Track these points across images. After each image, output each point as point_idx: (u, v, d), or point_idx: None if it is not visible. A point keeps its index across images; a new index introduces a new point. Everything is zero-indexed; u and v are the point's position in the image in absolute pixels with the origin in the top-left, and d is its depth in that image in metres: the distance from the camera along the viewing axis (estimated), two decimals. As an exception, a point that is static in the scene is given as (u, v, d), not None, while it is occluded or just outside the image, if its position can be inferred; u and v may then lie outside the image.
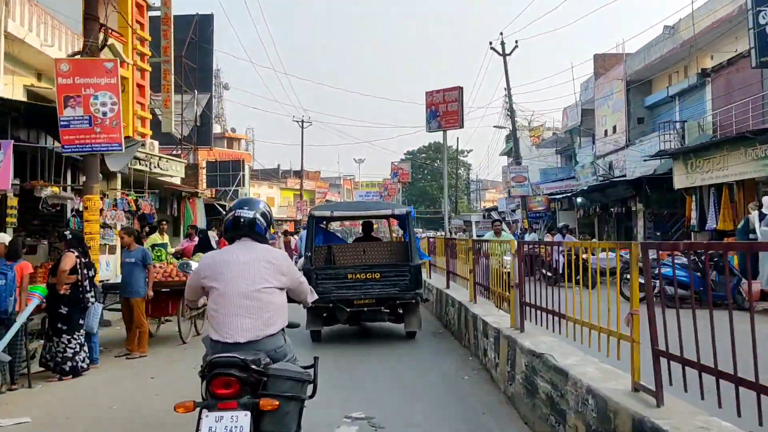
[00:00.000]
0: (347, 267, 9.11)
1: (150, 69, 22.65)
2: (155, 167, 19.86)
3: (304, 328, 8.64)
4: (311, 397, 3.60)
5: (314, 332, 9.04)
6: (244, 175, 38.54)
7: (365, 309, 8.84)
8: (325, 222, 10.95)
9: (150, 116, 22.63)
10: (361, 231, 12.04)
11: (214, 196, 37.32)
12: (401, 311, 9.17)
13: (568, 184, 27.01)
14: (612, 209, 22.95)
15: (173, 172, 21.31)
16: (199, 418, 3.11)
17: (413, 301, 8.88)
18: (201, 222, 19.24)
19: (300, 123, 43.75)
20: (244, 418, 3.08)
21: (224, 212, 23.47)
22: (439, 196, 71.16)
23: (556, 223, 26.93)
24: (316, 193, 61.91)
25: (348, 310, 8.73)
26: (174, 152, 29.46)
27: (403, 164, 53.01)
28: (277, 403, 3.16)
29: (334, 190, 71.64)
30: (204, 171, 39.27)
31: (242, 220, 3.59)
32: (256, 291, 3.39)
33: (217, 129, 54.68)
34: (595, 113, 27.21)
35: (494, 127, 28.91)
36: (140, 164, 18.55)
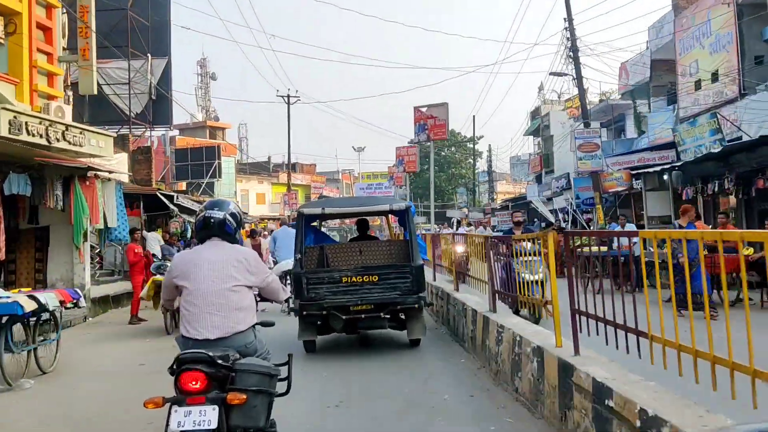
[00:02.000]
0: (341, 269, 8.24)
1: (59, 5, 15.96)
2: (58, 140, 13.21)
3: (297, 338, 8.14)
4: (285, 393, 3.74)
5: (307, 342, 8.22)
6: (219, 164, 31.96)
7: (363, 316, 7.99)
8: (317, 220, 10.41)
9: (61, 71, 15.95)
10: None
11: (185, 188, 30.89)
12: (403, 317, 8.30)
13: (642, 157, 19.97)
14: (738, 187, 14.93)
15: (93, 150, 14.46)
16: (169, 414, 3.21)
17: (416, 305, 7.96)
18: (111, 221, 12.20)
19: (286, 98, 36.95)
20: (212, 412, 3.19)
21: (172, 206, 16.80)
22: (448, 187, 64.84)
23: (630, 208, 20.04)
24: (311, 188, 56.08)
25: (344, 317, 7.89)
26: (120, 131, 22.78)
27: (409, 149, 41.11)
28: (245, 396, 3.27)
29: (332, 185, 65.31)
30: (170, 159, 32.79)
31: (212, 220, 3.73)
32: (225, 290, 3.56)
33: (199, 118, 48.52)
34: (676, 61, 20.25)
35: (551, 74, 21.61)
36: (27, 134, 12.13)
